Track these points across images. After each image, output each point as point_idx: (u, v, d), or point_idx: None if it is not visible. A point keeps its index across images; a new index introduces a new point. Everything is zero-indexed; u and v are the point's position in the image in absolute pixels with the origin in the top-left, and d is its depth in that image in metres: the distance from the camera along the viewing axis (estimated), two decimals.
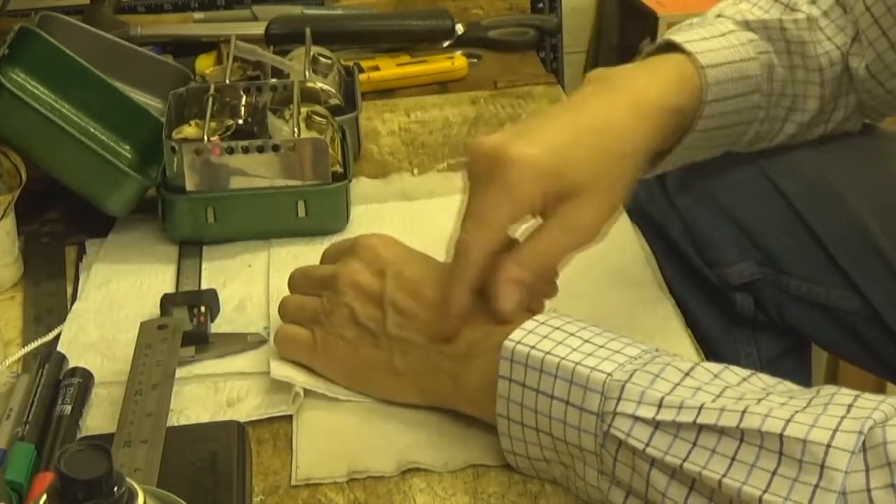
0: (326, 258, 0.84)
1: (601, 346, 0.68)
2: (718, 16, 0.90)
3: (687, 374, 0.65)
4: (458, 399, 0.75)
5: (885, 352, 1.01)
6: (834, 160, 0.99)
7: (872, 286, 0.99)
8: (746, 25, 0.89)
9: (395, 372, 0.76)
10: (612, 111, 0.77)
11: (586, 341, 0.68)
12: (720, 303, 1.06)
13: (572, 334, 0.69)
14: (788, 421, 0.59)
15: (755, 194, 1.00)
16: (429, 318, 0.75)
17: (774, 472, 0.59)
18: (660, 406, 0.63)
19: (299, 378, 0.78)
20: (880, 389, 1.64)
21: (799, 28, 0.89)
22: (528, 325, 0.70)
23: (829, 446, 0.58)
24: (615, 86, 0.79)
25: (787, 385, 0.65)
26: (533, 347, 0.68)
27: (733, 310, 1.05)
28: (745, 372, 0.66)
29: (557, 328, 0.69)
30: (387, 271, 0.77)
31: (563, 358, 0.67)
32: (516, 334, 0.69)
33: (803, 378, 1.13)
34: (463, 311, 0.73)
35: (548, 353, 0.68)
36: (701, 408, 0.62)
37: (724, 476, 0.60)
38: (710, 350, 1.04)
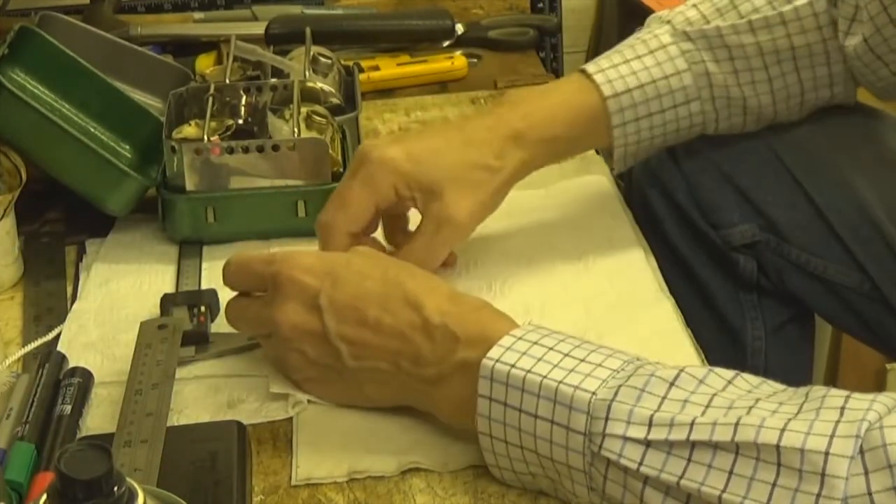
0: (232, 277, 0.80)
1: (582, 360, 0.67)
2: (667, 22, 0.96)
3: (672, 385, 0.64)
4: (438, 415, 0.74)
5: (881, 328, 1.02)
6: (836, 137, 1.01)
7: (871, 261, 1.00)
8: (686, 36, 0.94)
9: (370, 397, 0.76)
10: (481, 132, 0.88)
11: (566, 355, 0.67)
12: (725, 265, 1.07)
13: (551, 349, 0.68)
14: (783, 430, 0.59)
15: (758, 164, 1.02)
16: (382, 341, 0.73)
17: (774, 484, 0.58)
18: (650, 425, 0.62)
19: (299, 393, 0.78)
20: (881, 362, 1.66)
21: (738, 32, 0.94)
22: (506, 341, 0.69)
23: (827, 453, 0.57)
24: (500, 109, 0.90)
25: (772, 385, 0.65)
26: (513, 366, 0.67)
27: (737, 272, 1.07)
28: (729, 374, 0.65)
29: (535, 343, 0.68)
30: (320, 302, 0.74)
31: (545, 376, 0.66)
32: (494, 352, 0.68)
33: (807, 347, 1.15)
34: None
35: (529, 371, 0.66)
36: (692, 423, 0.61)
37: (723, 491, 0.59)
38: (718, 315, 1.08)
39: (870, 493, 0.57)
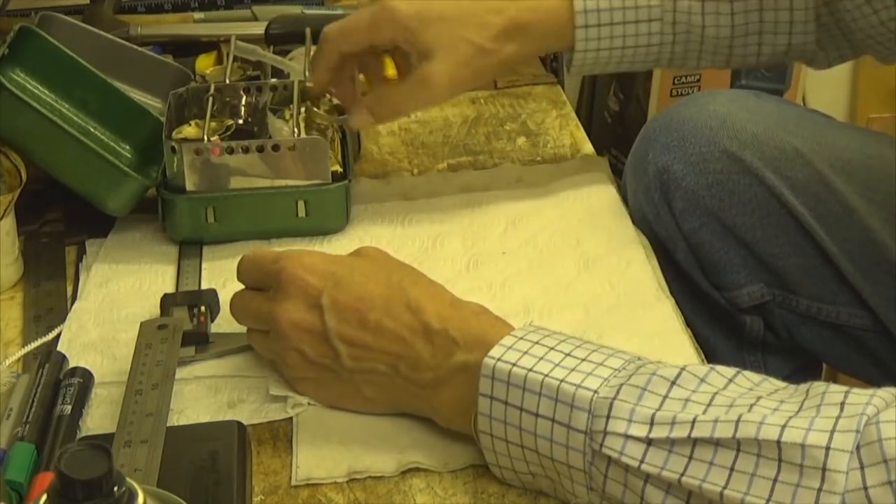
0: (243, 273, 0.81)
1: (583, 360, 0.67)
2: None
3: (673, 383, 0.64)
4: (437, 419, 0.74)
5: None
6: (846, 173, 0.99)
7: (884, 302, 0.98)
8: None
9: (367, 399, 0.76)
10: (490, 12, 0.93)
11: (567, 355, 0.67)
12: (729, 325, 1.05)
13: (552, 348, 0.68)
14: (784, 426, 0.59)
15: (762, 214, 1.00)
16: (382, 344, 0.74)
17: (776, 480, 0.58)
18: (651, 423, 0.62)
19: (298, 395, 0.78)
20: None
21: None
22: (507, 340, 0.69)
23: (828, 448, 0.57)
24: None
25: (773, 382, 0.65)
26: (514, 364, 0.67)
27: (743, 332, 1.05)
28: (730, 372, 0.65)
29: (537, 343, 0.69)
30: (322, 301, 0.75)
31: (547, 375, 0.66)
32: (496, 351, 0.68)
33: None
34: (322, 86, 0.97)
35: (530, 370, 0.67)
36: (694, 421, 0.61)
37: (724, 488, 0.59)
38: None
39: (865, 488, 0.57)
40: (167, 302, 0.87)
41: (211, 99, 0.97)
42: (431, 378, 0.72)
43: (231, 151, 0.93)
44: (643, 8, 0.95)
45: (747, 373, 0.65)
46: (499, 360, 0.68)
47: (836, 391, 0.61)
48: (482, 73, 0.95)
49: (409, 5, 0.92)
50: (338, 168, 0.97)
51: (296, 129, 0.95)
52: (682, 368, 0.65)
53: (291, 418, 0.77)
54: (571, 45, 0.96)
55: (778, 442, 0.58)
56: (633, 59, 0.98)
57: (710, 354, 0.97)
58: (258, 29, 1.26)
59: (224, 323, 0.85)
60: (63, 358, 0.81)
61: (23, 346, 0.86)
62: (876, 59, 1.00)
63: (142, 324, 0.82)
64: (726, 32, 0.97)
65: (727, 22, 0.96)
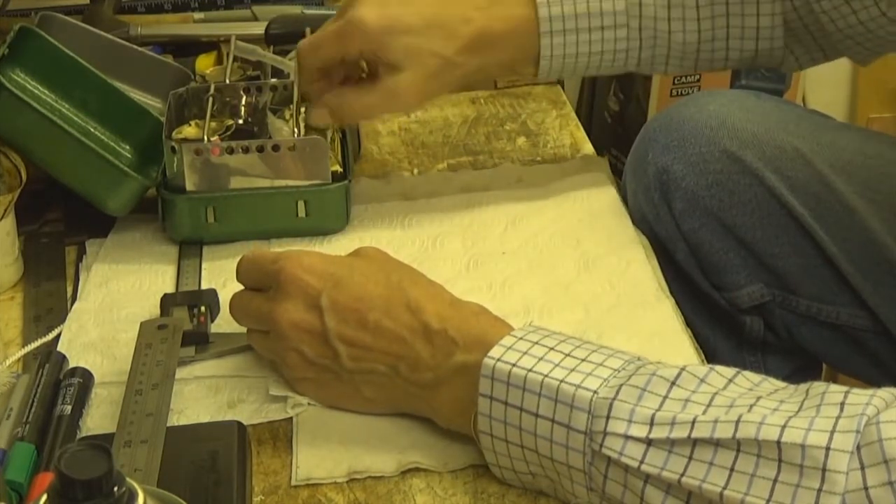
0: (243, 273, 0.81)
1: (583, 360, 0.67)
2: None
3: (673, 384, 0.64)
4: (437, 419, 0.74)
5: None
6: (846, 173, 0.99)
7: (884, 302, 0.98)
8: None
9: (367, 399, 0.76)
10: (457, 21, 0.92)
11: (567, 355, 0.67)
12: (729, 325, 1.05)
13: (552, 348, 0.68)
14: (784, 427, 0.59)
15: (762, 214, 1.00)
16: (381, 344, 0.74)
17: (776, 480, 0.58)
18: (651, 423, 0.62)
19: (298, 395, 0.78)
20: None
21: None
22: (507, 341, 0.69)
23: (828, 448, 0.57)
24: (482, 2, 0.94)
25: (773, 382, 0.65)
26: (514, 365, 0.67)
27: (743, 332, 1.05)
28: (730, 372, 0.65)
29: (536, 343, 0.69)
30: (321, 302, 0.75)
31: (547, 375, 0.66)
32: (495, 351, 0.68)
33: None
34: (313, 96, 0.96)
35: (530, 370, 0.67)
36: (694, 422, 0.61)
37: (724, 488, 0.59)
38: None
39: (866, 489, 0.57)
40: (167, 302, 0.87)
41: (211, 99, 0.97)
42: (431, 378, 0.72)
43: (231, 151, 0.93)
44: (609, 14, 0.95)
45: (747, 373, 0.65)
46: (498, 360, 0.68)
47: (835, 391, 0.61)
48: (450, 83, 0.95)
49: (376, 17, 0.90)
50: (338, 168, 0.97)
51: (296, 129, 0.95)
52: (682, 369, 0.65)
53: (291, 418, 0.77)
54: (537, 53, 0.95)
55: (778, 442, 0.58)
56: (600, 65, 0.97)
57: (710, 354, 0.97)
58: (258, 29, 1.26)
59: (224, 323, 0.85)
60: (63, 358, 0.81)
61: (23, 346, 0.86)
62: (853, 60, 1.00)
63: (142, 324, 0.82)
64: (692, 38, 0.97)
65: (693, 27, 0.96)
